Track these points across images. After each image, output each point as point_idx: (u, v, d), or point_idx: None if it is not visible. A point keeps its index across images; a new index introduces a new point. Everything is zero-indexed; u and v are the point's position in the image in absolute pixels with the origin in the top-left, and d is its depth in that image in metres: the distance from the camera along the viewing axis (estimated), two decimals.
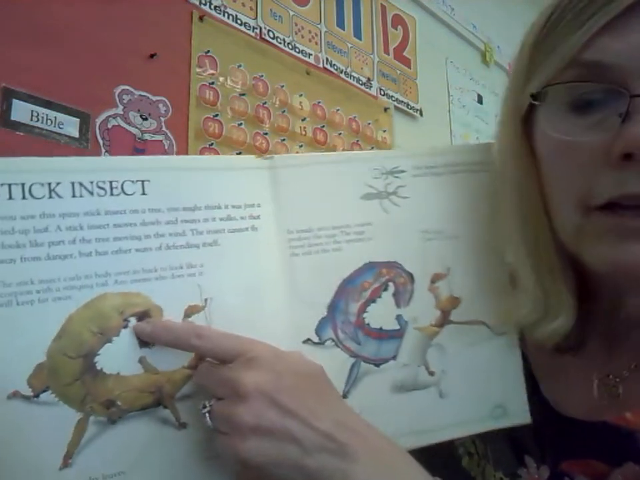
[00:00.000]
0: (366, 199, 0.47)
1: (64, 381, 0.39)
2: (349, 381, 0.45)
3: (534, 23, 0.43)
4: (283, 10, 1.60)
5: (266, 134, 1.49)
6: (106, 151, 1.16)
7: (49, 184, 0.39)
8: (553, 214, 0.44)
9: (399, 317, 0.47)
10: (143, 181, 0.42)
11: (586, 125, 0.40)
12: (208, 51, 1.39)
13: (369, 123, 1.80)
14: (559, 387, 0.49)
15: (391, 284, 0.47)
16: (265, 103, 1.51)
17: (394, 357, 0.46)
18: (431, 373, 0.47)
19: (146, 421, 0.40)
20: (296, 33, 1.63)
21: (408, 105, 1.98)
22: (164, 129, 1.27)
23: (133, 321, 0.41)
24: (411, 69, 2.03)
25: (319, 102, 1.66)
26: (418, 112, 2.01)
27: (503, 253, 0.48)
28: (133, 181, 0.42)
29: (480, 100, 2.37)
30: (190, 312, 0.42)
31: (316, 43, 1.69)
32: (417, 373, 0.46)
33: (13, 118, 1.04)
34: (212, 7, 1.41)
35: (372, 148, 1.79)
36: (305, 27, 1.67)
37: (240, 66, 1.46)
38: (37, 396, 0.38)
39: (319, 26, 1.71)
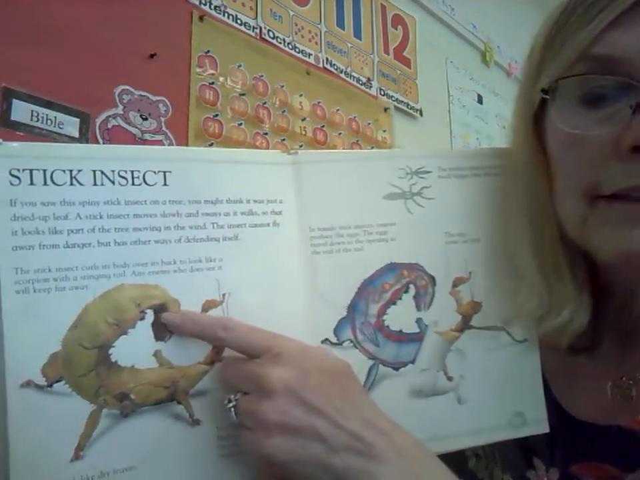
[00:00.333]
0: (390, 199, 0.46)
1: (78, 372, 0.38)
2: (366, 383, 0.44)
3: (544, 23, 0.44)
4: (283, 10, 1.60)
5: (266, 134, 1.49)
6: None
7: (71, 171, 0.39)
8: (559, 209, 0.44)
9: (419, 320, 0.46)
10: (165, 172, 0.41)
11: (596, 118, 0.40)
12: (208, 51, 1.39)
13: (369, 123, 1.80)
14: (571, 389, 0.48)
15: (412, 286, 0.46)
16: (265, 102, 1.51)
17: (413, 361, 0.46)
18: (450, 379, 0.46)
19: (159, 415, 0.40)
20: (296, 33, 1.63)
21: (408, 105, 1.98)
22: (164, 128, 1.27)
23: (149, 313, 0.40)
24: (410, 68, 2.03)
25: (319, 102, 1.66)
26: (418, 112, 2.01)
27: (512, 253, 0.47)
28: (155, 172, 0.41)
29: (480, 100, 2.36)
30: (207, 306, 0.42)
31: (316, 43, 1.69)
32: (435, 378, 0.46)
33: (13, 118, 1.04)
34: (212, 6, 1.41)
35: (372, 148, 1.79)
36: (305, 27, 1.67)
37: (240, 66, 1.46)
38: (50, 386, 0.38)
39: (318, 26, 1.71)
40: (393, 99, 1.92)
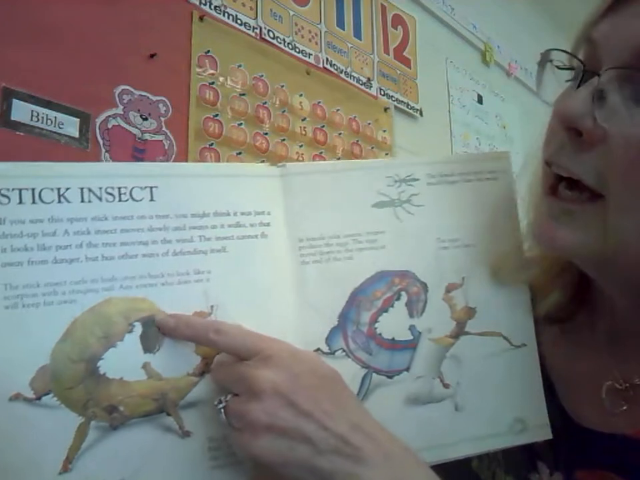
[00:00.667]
0: (379, 207, 0.46)
1: (66, 385, 0.38)
2: (360, 392, 0.44)
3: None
4: (282, 10, 1.60)
5: (266, 134, 1.49)
6: (106, 151, 1.16)
7: (59, 189, 0.40)
8: None
9: (412, 327, 0.46)
10: (151, 187, 0.42)
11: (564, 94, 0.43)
12: (208, 51, 1.39)
13: (369, 123, 1.80)
14: (574, 394, 0.48)
15: (403, 293, 0.46)
16: (265, 102, 1.51)
17: (407, 369, 0.45)
18: (446, 386, 0.45)
19: (148, 428, 0.40)
20: (296, 33, 1.63)
21: (408, 105, 1.98)
22: (164, 128, 1.27)
23: (137, 326, 0.40)
24: (410, 69, 2.02)
25: (319, 102, 1.66)
26: (418, 112, 2.00)
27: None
28: (141, 187, 0.42)
29: (480, 100, 2.36)
30: None
31: (316, 43, 1.69)
32: (431, 385, 0.45)
33: (13, 118, 1.04)
34: (212, 7, 1.41)
35: (372, 148, 1.79)
36: (305, 26, 1.67)
37: (240, 66, 1.46)
38: (38, 399, 0.38)
39: (318, 26, 1.71)
40: (393, 99, 1.92)
